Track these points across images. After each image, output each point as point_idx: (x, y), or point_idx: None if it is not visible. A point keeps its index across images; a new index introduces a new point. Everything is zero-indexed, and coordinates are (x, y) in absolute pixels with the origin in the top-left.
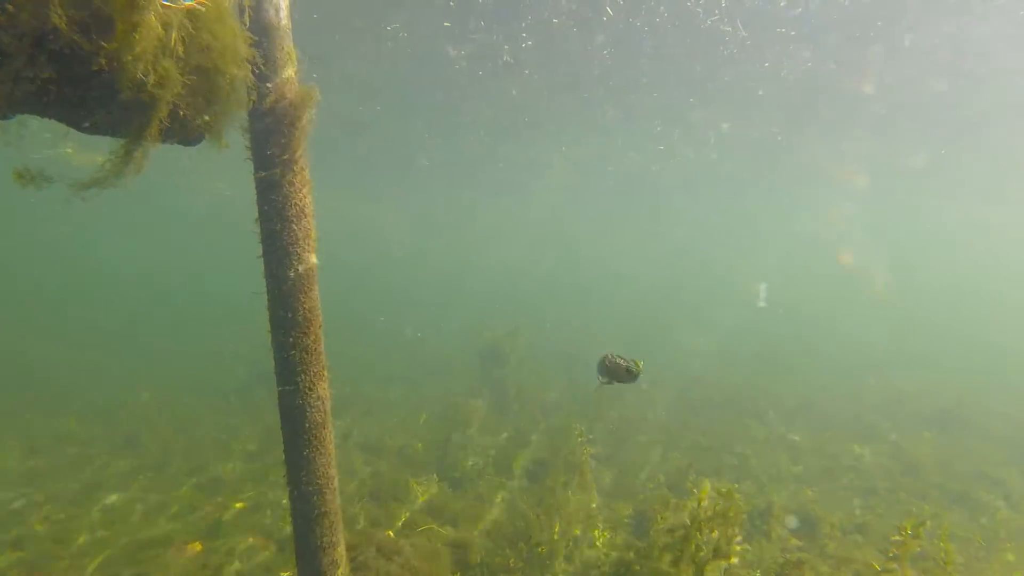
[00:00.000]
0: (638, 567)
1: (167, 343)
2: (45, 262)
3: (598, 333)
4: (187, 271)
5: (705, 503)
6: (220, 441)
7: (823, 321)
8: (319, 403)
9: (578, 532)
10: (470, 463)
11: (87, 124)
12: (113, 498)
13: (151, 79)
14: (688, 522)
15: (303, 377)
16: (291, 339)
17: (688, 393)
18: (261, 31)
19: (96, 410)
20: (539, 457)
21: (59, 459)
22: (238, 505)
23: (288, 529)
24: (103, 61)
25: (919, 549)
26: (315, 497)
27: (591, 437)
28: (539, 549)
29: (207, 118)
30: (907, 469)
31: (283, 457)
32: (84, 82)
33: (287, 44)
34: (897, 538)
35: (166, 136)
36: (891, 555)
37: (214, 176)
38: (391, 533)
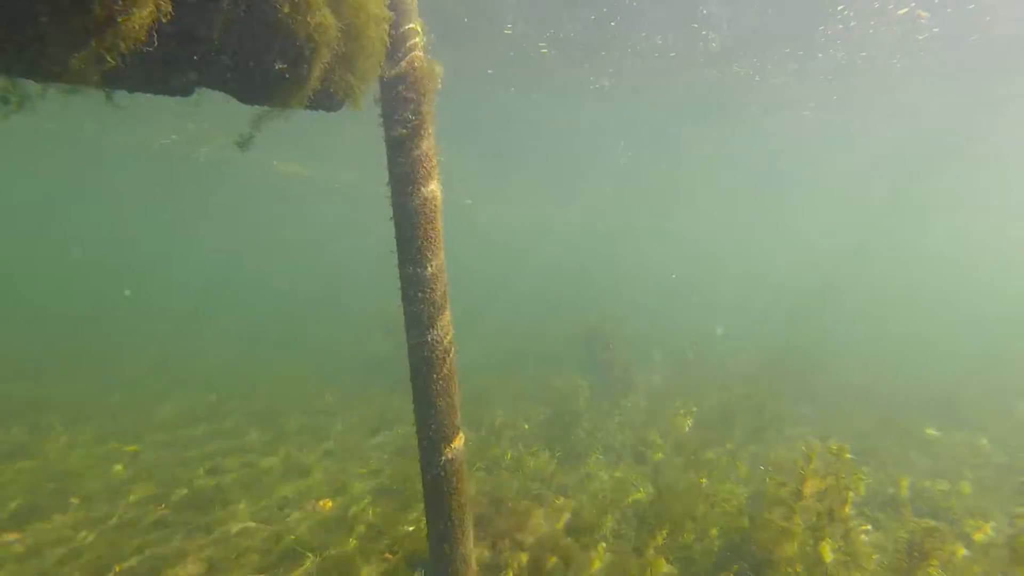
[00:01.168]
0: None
1: (288, 339)
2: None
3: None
4: (295, 264)
5: (814, 464)
6: (343, 418)
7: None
8: (446, 355)
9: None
10: (578, 442)
11: (258, 94)
12: (262, 461)
13: (318, 24)
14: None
15: (431, 330)
16: (420, 294)
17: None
18: (390, 3)
19: (233, 392)
20: (646, 438)
21: (217, 427)
22: (362, 471)
23: (406, 490)
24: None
25: None
26: (443, 444)
27: (697, 415)
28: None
29: (350, 82)
30: None
31: (407, 419)
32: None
33: (414, 16)
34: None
35: (313, 103)
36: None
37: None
38: (505, 498)
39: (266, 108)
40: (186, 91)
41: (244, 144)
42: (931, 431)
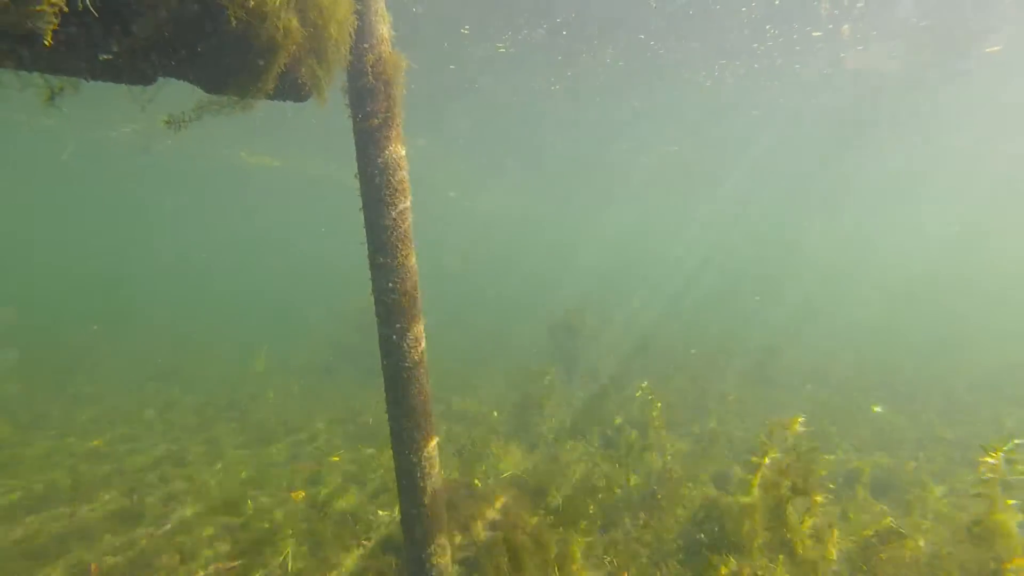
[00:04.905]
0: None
1: (255, 324)
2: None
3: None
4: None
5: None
6: (312, 410)
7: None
8: (416, 343)
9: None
10: (545, 428)
11: (222, 85)
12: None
13: (280, 29)
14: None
15: (402, 320)
16: (391, 284)
17: (762, 366)
18: None
19: (199, 383)
20: (612, 422)
21: (176, 420)
22: (334, 459)
23: (377, 479)
24: (241, 12)
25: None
26: (414, 431)
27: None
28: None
29: (317, 74)
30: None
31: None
32: (220, 38)
33: (380, 6)
34: (988, 459)
35: (280, 94)
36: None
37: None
38: (477, 482)
39: (233, 98)
40: (148, 80)
41: (176, 124)
42: (876, 408)
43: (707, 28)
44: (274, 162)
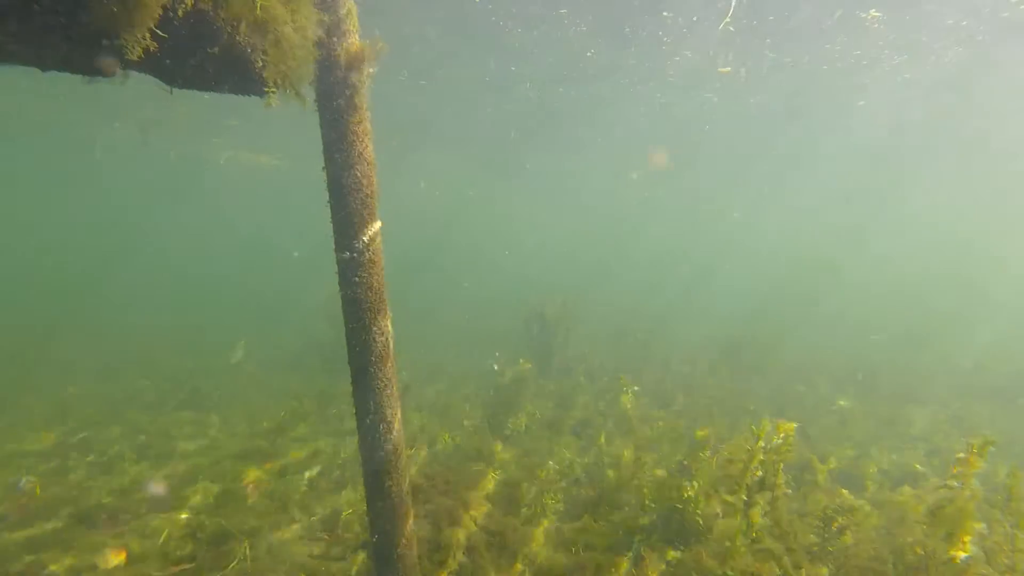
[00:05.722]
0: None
1: (225, 316)
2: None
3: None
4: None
5: (762, 439)
6: (281, 402)
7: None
8: (382, 338)
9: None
10: (520, 421)
11: (181, 80)
12: (189, 446)
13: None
14: (749, 450)
15: (368, 314)
16: (357, 278)
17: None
18: None
19: (164, 374)
20: (585, 417)
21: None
22: (296, 455)
23: (344, 473)
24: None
25: (979, 468)
26: (380, 424)
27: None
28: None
29: (283, 68)
30: (967, 433)
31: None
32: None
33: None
34: (961, 455)
35: (245, 88)
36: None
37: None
38: (449, 479)
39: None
40: (108, 72)
41: (145, 132)
42: (842, 402)
43: None
44: (262, 158)
